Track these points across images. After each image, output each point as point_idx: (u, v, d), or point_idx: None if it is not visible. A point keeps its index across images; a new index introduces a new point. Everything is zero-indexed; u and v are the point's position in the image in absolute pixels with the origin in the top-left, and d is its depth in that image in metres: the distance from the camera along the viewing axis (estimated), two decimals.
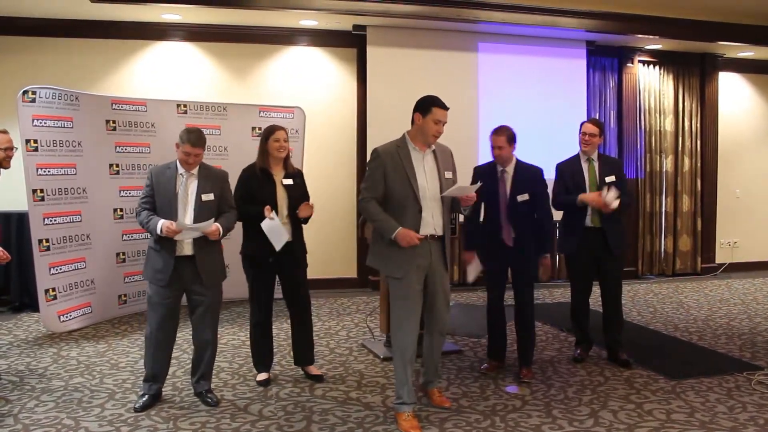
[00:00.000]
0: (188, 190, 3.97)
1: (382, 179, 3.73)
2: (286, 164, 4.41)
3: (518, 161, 4.57)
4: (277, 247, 4.20)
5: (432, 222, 3.76)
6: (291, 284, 4.45)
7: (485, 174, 4.55)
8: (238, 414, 3.90)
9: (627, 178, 5.96)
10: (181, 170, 3.98)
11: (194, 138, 3.91)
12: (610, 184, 4.71)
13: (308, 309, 4.55)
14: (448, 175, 3.85)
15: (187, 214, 3.94)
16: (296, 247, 4.40)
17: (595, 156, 4.90)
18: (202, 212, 3.95)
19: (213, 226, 3.92)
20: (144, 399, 3.99)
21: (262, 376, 4.46)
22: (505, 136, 4.44)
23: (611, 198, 4.62)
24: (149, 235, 4.00)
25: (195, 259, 3.95)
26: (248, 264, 4.40)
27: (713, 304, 7.20)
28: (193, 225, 3.88)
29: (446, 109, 3.78)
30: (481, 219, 4.65)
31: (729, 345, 5.49)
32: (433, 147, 3.85)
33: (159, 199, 3.96)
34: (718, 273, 9.18)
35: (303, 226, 4.45)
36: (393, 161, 3.73)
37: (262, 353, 4.51)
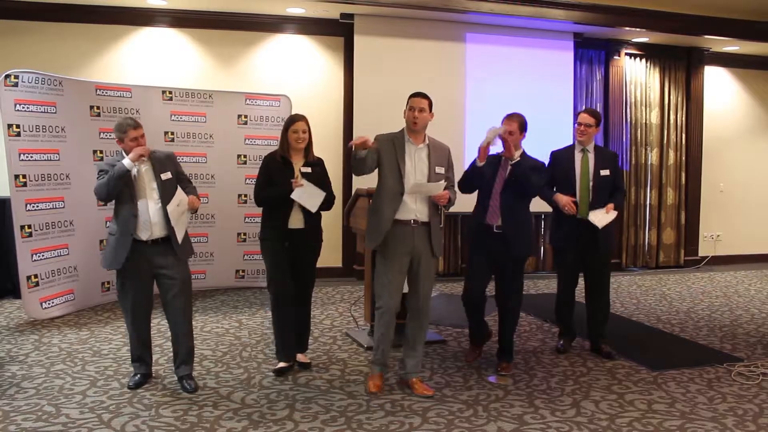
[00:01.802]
0: (143, 174, 4.00)
1: (375, 156, 3.98)
2: (307, 153, 4.42)
3: (524, 153, 4.40)
4: (313, 209, 4.25)
5: (414, 208, 3.99)
6: (298, 270, 4.42)
7: (492, 164, 4.35)
8: (220, 402, 3.89)
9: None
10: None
11: (133, 122, 3.97)
12: (599, 207, 4.73)
13: (310, 296, 4.58)
14: (440, 170, 4.05)
15: (151, 198, 3.98)
16: (310, 233, 4.40)
17: (590, 147, 4.84)
18: (166, 191, 4.00)
19: (190, 197, 4.03)
20: (136, 378, 4.12)
21: (281, 365, 4.39)
22: (517, 122, 4.33)
23: (599, 220, 4.66)
24: (112, 225, 4.02)
25: (170, 239, 4.01)
26: (266, 247, 4.38)
27: (695, 296, 7.27)
28: (174, 205, 3.96)
29: (420, 96, 4.01)
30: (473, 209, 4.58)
31: (710, 337, 5.55)
32: (428, 141, 4.07)
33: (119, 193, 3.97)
34: (700, 266, 9.27)
35: (321, 213, 4.44)
36: (388, 148, 4.02)
37: (282, 338, 4.41)
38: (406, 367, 4.17)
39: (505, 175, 4.36)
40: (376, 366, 4.16)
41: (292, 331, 4.45)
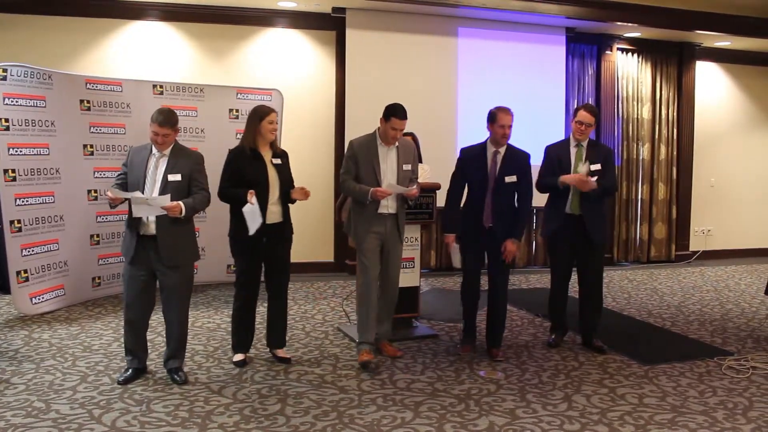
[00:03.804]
0: (157, 169, 4.01)
1: (354, 166, 4.52)
2: (273, 144, 4.41)
3: (509, 144, 4.64)
4: (251, 231, 4.18)
5: (386, 204, 4.52)
6: (275, 264, 4.44)
7: (472, 156, 4.69)
8: (212, 397, 3.88)
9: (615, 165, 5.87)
10: (154, 151, 4.03)
11: (161, 118, 3.94)
12: (586, 162, 4.75)
13: (286, 290, 4.59)
14: (407, 167, 4.58)
15: (153, 194, 3.95)
16: (286, 227, 4.42)
17: (584, 142, 4.85)
18: (167, 192, 3.95)
19: (173, 203, 3.89)
20: (127, 373, 4.11)
21: (239, 357, 4.47)
22: (511, 116, 4.58)
23: (585, 171, 4.67)
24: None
25: (157, 239, 3.98)
26: (238, 246, 4.37)
27: (686, 290, 7.30)
28: (149, 198, 3.88)
29: (404, 119, 4.41)
30: (462, 202, 4.78)
31: (701, 331, 5.57)
32: (397, 143, 4.54)
33: (130, 177, 4.01)
34: (691, 260, 9.30)
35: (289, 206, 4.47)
36: (363, 153, 4.51)
37: (243, 334, 4.51)
38: (378, 334, 4.63)
39: (497, 169, 4.58)
40: (364, 345, 4.52)
41: (252, 329, 4.56)
